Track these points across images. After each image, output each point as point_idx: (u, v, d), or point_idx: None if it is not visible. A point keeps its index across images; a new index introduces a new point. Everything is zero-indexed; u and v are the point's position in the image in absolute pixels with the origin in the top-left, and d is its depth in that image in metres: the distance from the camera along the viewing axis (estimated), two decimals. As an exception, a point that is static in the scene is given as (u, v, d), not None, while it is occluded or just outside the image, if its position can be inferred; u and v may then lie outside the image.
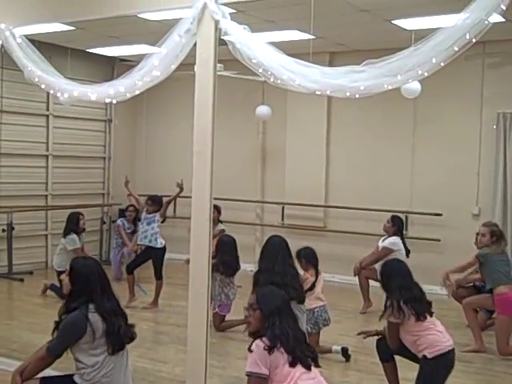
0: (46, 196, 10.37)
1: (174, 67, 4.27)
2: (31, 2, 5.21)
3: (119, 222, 9.60)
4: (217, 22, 4.11)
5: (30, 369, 3.84)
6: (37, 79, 4.87)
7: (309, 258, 6.00)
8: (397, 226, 7.89)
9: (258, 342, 3.39)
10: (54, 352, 3.82)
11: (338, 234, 9.79)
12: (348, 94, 3.76)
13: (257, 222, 10.63)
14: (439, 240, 8.93)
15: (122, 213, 11.19)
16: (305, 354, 3.40)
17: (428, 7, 6.66)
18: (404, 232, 9.18)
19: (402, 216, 9.16)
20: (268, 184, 10.61)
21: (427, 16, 6.97)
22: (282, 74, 3.85)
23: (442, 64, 3.47)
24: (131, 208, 9.45)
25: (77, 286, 3.86)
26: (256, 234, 10.52)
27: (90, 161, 11.04)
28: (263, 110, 9.62)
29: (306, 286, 5.73)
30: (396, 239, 7.76)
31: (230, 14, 4.19)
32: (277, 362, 3.32)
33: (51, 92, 5.09)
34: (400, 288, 4.53)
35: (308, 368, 3.38)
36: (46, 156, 10.31)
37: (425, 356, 4.41)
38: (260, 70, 3.95)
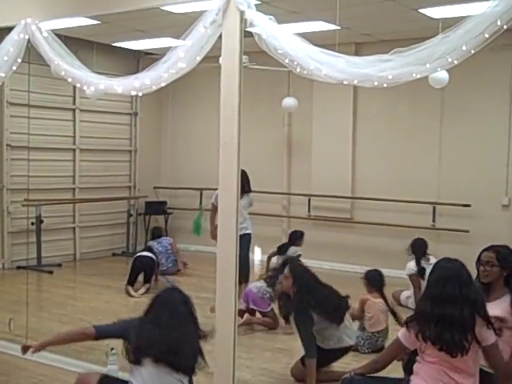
0: (74, 189, 10.47)
1: (199, 59, 4.25)
2: (57, -4, 5.25)
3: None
4: (242, 13, 4.08)
5: (67, 331, 4.06)
6: (63, 73, 4.89)
7: (372, 280, 5.99)
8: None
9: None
10: (98, 329, 3.87)
11: (365, 225, 9.73)
12: (376, 83, 3.72)
13: (283, 213, 10.61)
14: (468, 231, 8.82)
15: (148, 206, 11.29)
16: (443, 338, 3.33)
17: (456, -5, 6.56)
18: (432, 223, 9.15)
19: (430, 207, 9.10)
20: (294, 176, 10.58)
21: (454, 4, 6.86)
22: (309, 64, 3.82)
23: (473, 51, 3.40)
24: None
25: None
26: (282, 225, 10.49)
27: (116, 154, 11.11)
28: (289, 101, 9.57)
29: (364, 308, 5.90)
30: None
31: (256, 5, 4.16)
32: (421, 343, 3.43)
33: (78, 85, 5.11)
34: None
35: (450, 355, 3.35)
36: (73, 150, 10.40)
37: None
38: (286, 61, 3.92)
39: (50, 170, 9.93)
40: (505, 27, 3.33)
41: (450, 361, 3.38)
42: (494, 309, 3.73)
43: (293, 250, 8.10)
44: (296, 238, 8.28)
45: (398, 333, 3.62)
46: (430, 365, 3.44)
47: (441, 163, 9.27)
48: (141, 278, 8.31)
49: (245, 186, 7.65)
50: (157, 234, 9.52)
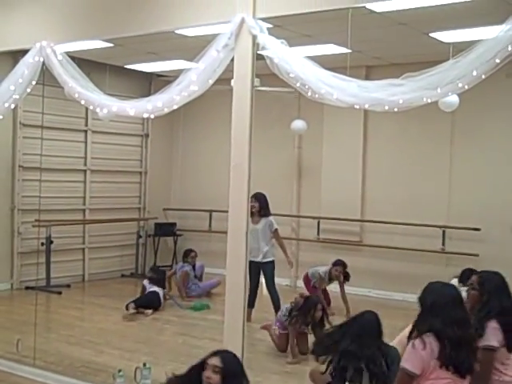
0: (84, 210, 10.49)
1: (211, 82, 4.29)
2: (72, 20, 5.32)
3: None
4: (254, 37, 4.13)
5: None
6: (77, 95, 4.95)
7: None
8: None
9: (419, 340, 3.36)
10: None
11: (375, 248, 9.69)
12: (387, 107, 3.74)
13: (292, 236, 10.57)
14: (477, 255, 8.76)
15: (158, 227, 11.30)
16: (461, 360, 3.32)
17: (466, 19, 6.58)
18: (441, 247, 9.10)
19: (440, 231, 9.06)
20: (304, 198, 10.57)
21: (465, 28, 6.89)
22: (320, 88, 3.85)
23: (483, 76, 3.42)
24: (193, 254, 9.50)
25: None
26: (291, 248, 10.45)
27: (126, 175, 11.15)
28: (299, 124, 9.60)
29: None
30: None
31: (268, 28, 4.20)
32: (433, 364, 3.32)
33: (91, 107, 5.17)
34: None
35: (460, 376, 3.34)
36: (84, 171, 10.45)
37: None
38: (298, 85, 3.95)
39: (61, 190, 9.95)
40: (516, 52, 3.34)
41: (457, 382, 3.35)
42: None
43: (323, 269, 8.35)
44: (337, 263, 8.44)
45: (402, 363, 3.41)
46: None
47: (451, 187, 9.25)
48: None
49: (261, 210, 7.66)
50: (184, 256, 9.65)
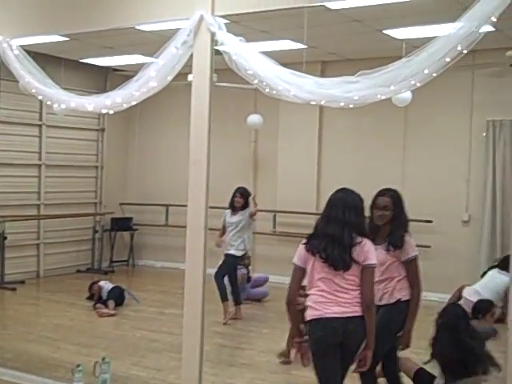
0: (39, 205, 10.37)
1: (170, 78, 4.32)
2: (29, 15, 5.25)
3: None
4: (213, 34, 4.17)
5: None
6: (34, 90, 4.90)
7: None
8: None
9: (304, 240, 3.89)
10: None
11: (330, 241, 9.80)
12: (342, 104, 3.83)
13: (249, 229, 10.63)
14: (429, 246, 8.98)
15: (114, 222, 11.24)
16: (336, 256, 3.67)
17: (418, 17, 6.74)
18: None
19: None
20: (260, 192, 10.61)
21: (418, 26, 7.06)
22: (278, 84, 3.91)
23: (434, 75, 3.53)
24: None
25: None
26: (248, 242, 10.54)
27: (82, 170, 11.06)
28: (255, 118, 9.64)
29: None
30: None
31: (225, 24, 4.25)
32: (311, 258, 3.77)
33: (48, 103, 5.12)
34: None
35: (335, 269, 3.67)
36: (39, 165, 10.32)
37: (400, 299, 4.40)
38: (255, 81, 4.01)
39: (15, 185, 9.81)
40: (464, 52, 3.46)
41: (334, 278, 3.68)
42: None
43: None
44: None
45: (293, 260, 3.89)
46: (318, 282, 3.72)
47: (404, 180, 9.43)
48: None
49: (244, 205, 7.80)
50: None
